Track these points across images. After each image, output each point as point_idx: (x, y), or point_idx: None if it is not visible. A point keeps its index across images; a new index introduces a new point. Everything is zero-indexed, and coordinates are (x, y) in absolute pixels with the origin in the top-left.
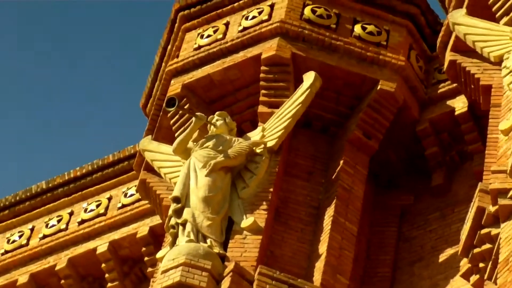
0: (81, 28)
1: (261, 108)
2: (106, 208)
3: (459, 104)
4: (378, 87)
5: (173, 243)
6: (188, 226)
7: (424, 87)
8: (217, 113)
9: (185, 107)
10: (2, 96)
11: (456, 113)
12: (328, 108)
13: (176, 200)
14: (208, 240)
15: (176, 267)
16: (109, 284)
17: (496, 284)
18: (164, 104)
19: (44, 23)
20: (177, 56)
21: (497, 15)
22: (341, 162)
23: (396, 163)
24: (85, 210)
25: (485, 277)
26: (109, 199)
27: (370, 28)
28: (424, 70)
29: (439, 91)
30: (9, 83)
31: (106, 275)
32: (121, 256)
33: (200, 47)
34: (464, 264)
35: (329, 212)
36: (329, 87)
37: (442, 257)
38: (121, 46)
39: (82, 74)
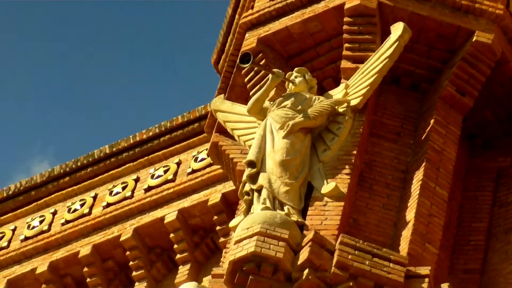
0: None
1: (344, 63)
2: (175, 174)
3: None
4: (474, 39)
5: (247, 211)
6: (264, 193)
7: None
8: (296, 69)
9: (261, 63)
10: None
11: None
12: (418, 63)
13: (250, 164)
14: (286, 208)
15: (251, 236)
16: (178, 256)
17: None
18: (238, 60)
19: None
20: (252, 7)
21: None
22: (432, 121)
23: (493, 122)
24: (152, 176)
25: None
26: (178, 164)
27: None
28: None
29: None
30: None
31: (175, 246)
32: (191, 226)
33: None
34: None
35: (418, 176)
36: (419, 39)
37: None
38: None
39: (148, 30)
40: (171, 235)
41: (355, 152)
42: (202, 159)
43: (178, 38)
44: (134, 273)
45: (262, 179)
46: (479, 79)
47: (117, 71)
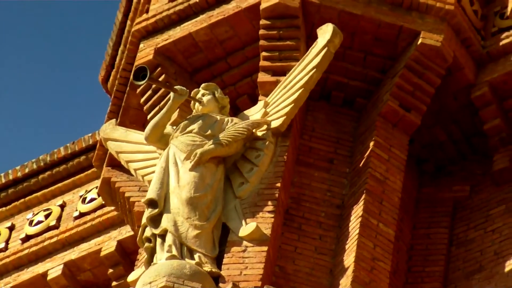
0: None
1: (262, 77)
2: (59, 219)
3: None
4: (419, 41)
5: (149, 261)
6: (169, 238)
7: (480, 38)
8: (203, 85)
9: (160, 79)
10: None
11: None
12: (352, 73)
13: (151, 204)
14: (196, 256)
15: None
16: None
17: None
18: (131, 77)
19: None
20: (147, 11)
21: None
22: (371, 144)
23: (446, 143)
24: (31, 223)
25: None
26: (62, 206)
27: None
28: (481, 16)
29: (502, 43)
30: None
31: None
32: (81, 282)
33: None
34: None
35: (357, 212)
36: (353, 44)
37: (510, 265)
38: None
39: (13, 37)
40: None
41: (278, 184)
42: (92, 200)
43: (55, 50)
44: None
45: (166, 222)
46: (427, 91)
47: None
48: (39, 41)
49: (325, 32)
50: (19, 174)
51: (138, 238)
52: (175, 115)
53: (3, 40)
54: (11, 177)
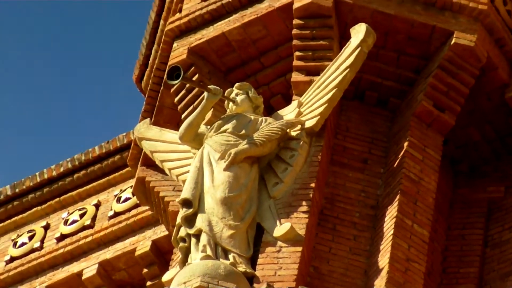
0: None
1: (296, 76)
2: (94, 219)
3: None
4: (453, 41)
5: (184, 261)
6: (204, 238)
7: None
8: (236, 85)
9: (194, 78)
10: None
11: None
12: (386, 73)
13: (186, 203)
14: (231, 256)
15: None
16: None
17: None
18: (165, 76)
19: None
20: (180, 10)
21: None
22: (406, 144)
23: (480, 144)
24: (66, 222)
25: None
26: (97, 206)
27: None
28: None
29: None
30: None
31: None
32: (116, 282)
33: None
34: None
35: (391, 213)
36: (386, 44)
37: None
38: None
39: (49, 39)
40: None
41: (313, 185)
42: (127, 199)
43: (90, 50)
44: None
45: (200, 222)
46: (461, 91)
47: (17, 95)
48: (74, 41)
49: (358, 31)
50: (54, 173)
51: (172, 238)
52: (209, 115)
53: (39, 40)
54: (46, 176)
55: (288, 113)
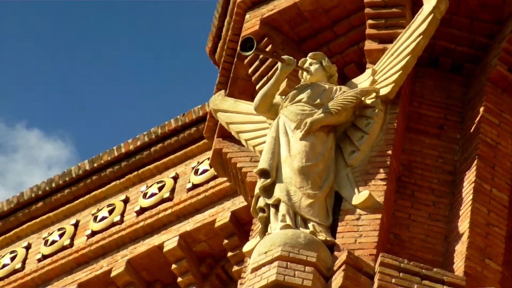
0: None
1: (369, 44)
2: (172, 191)
3: None
4: None
5: (264, 232)
6: (283, 208)
7: None
8: (310, 54)
9: (267, 49)
10: None
11: None
12: (460, 39)
13: (263, 174)
14: (310, 224)
15: (271, 262)
16: None
17: None
18: (238, 48)
19: None
20: None
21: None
22: (481, 109)
23: None
24: (144, 195)
25: None
26: (175, 178)
27: None
28: None
29: None
30: None
31: (179, 279)
32: (197, 253)
33: None
34: None
35: (470, 178)
36: (459, 10)
37: None
38: None
39: (124, 15)
40: (173, 266)
41: (390, 152)
42: (204, 171)
43: (161, 24)
44: None
45: (278, 192)
46: None
47: (95, 70)
48: (148, 16)
49: None
50: (131, 147)
51: (251, 209)
52: (283, 85)
53: (119, 16)
54: (123, 150)
55: (362, 81)
